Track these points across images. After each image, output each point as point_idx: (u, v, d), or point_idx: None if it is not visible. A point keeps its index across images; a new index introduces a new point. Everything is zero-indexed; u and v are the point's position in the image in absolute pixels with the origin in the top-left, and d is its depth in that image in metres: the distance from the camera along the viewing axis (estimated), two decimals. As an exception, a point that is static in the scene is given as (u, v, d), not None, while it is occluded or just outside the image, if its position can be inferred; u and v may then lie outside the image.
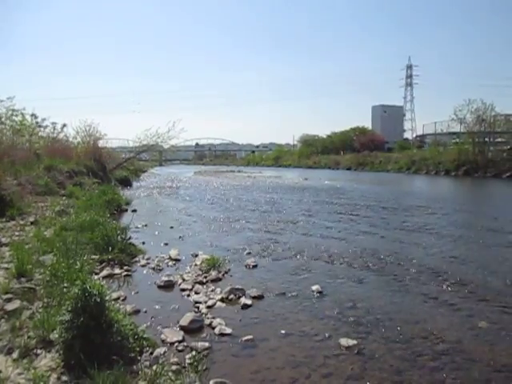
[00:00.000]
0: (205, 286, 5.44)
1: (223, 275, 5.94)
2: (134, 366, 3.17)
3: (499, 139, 34.44)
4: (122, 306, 4.29)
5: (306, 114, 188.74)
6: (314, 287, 5.31)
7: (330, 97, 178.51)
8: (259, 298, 5.01)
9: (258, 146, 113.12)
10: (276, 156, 76.42)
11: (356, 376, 3.26)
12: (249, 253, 7.27)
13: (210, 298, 4.96)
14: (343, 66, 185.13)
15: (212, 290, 5.27)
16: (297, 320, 4.36)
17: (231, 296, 5.00)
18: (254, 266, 6.43)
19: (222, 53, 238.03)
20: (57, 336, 3.19)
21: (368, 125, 77.94)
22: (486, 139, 33.93)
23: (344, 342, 3.79)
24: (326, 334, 3.99)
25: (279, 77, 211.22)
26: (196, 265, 6.36)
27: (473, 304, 4.85)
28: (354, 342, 3.79)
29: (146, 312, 4.53)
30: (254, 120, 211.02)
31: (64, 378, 2.89)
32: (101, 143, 24.46)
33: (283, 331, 4.06)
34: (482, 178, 30.33)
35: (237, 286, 5.21)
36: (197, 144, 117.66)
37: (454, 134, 38.33)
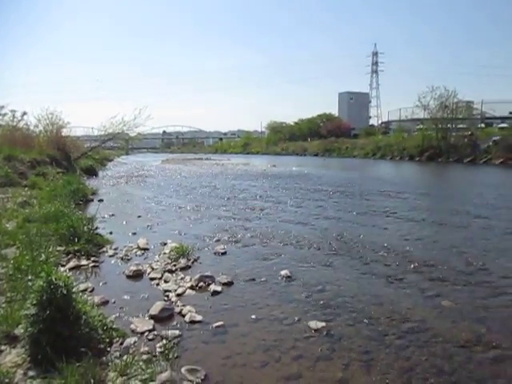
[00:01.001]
0: (174, 275, 5.42)
1: (192, 263, 5.93)
2: (104, 358, 3.13)
3: (461, 125, 35.43)
4: (89, 298, 4.22)
5: (274, 101, 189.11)
6: (283, 272, 5.38)
7: (298, 84, 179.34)
8: (229, 284, 5.04)
9: (225, 134, 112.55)
10: (244, 143, 76.33)
11: (325, 357, 3.34)
12: (218, 240, 7.27)
13: (179, 286, 4.94)
14: (311, 52, 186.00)
15: (181, 278, 5.25)
16: (266, 305, 4.41)
17: (201, 283, 5.00)
18: (223, 253, 6.44)
19: (187, 38, 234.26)
20: (22, 331, 3.11)
21: (335, 111, 78.79)
22: (449, 125, 34.86)
23: (313, 324, 3.87)
24: (296, 318, 4.06)
25: (246, 63, 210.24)
26: (165, 253, 6.31)
27: (436, 284, 5.03)
28: (323, 324, 3.88)
29: (114, 302, 4.47)
30: (221, 107, 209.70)
31: (31, 373, 2.83)
32: (64, 132, 23.65)
33: (253, 316, 4.11)
34: (444, 162, 31.27)
35: (206, 273, 5.21)
36: (164, 132, 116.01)
37: (418, 120, 39.20)
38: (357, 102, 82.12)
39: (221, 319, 4.01)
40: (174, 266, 5.76)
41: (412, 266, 5.72)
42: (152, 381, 2.65)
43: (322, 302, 4.44)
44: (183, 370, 3.04)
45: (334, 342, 3.57)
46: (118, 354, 3.23)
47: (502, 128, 34.82)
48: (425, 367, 3.17)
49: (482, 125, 39.23)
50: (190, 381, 2.94)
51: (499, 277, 5.24)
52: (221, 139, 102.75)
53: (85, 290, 4.68)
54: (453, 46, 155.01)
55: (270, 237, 7.48)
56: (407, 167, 29.20)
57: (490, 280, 5.13)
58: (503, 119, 39.46)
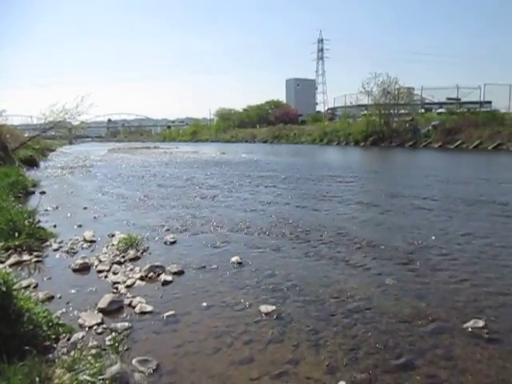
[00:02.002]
0: (123, 266, 5.31)
1: (142, 253, 5.83)
2: (50, 355, 3.04)
3: (402, 111, 36.82)
4: (33, 294, 4.05)
5: (222, 88, 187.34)
6: (234, 258, 5.41)
7: (246, 70, 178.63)
8: (179, 273, 5.01)
9: (173, 121, 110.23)
10: (193, 131, 75.28)
11: (276, 340, 3.42)
12: (167, 229, 7.19)
13: (128, 278, 4.86)
14: (258, 38, 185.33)
15: (131, 270, 5.16)
16: (218, 292, 4.43)
17: (151, 274, 4.93)
18: (173, 242, 6.38)
19: (133, 24, 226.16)
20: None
21: (283, 98, 79.34)
22: (391, 111, 36.12)
23: (264, 308, 3.94)
24: (247, 303, 4.11)
25: (193, 50, 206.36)
26: (113, 245, 6.16)
27: (380, 263, 5.26)
28: (273, 307, 3.95)
29: (60, 298, 4.33)
30: (168, 94, 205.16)
31: (-31, 375, 2.69)
32: (-1, 120, 22.29)
33: (205, 304, 4.12)
34: (387, 147, 32.46)
35: (156, 263, 5.14)
36: (109, 120, 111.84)
37: (362, 106, 40.33)
38: (304, 88, 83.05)
39: (172, 308, 3.99)
40: (123, 257, 5.64)
41: (357, 247, 5.94)
42: (101, 374, 2.61)
43: (272, 287, 4.53)
44: (134, 361, 3.01)
45: (284, 325, 3.66)
46: (65, 350, 3.14)
47: (440, 113, 36.55)
48: (370, 343, 3.32)
49: (422, 110, 40.99)
50: (142, 372, 2.92)
51: (438, 254, 5.55)
52: (169, 127, 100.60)
53: (28, 286, 4.47)
54: (394, 32, 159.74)
55: (220, 224, 7.49)
56: (352, 152, 30.05)
57: (429, 258, 5.42)
58: (441, 104, 41.38)
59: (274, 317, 3.81)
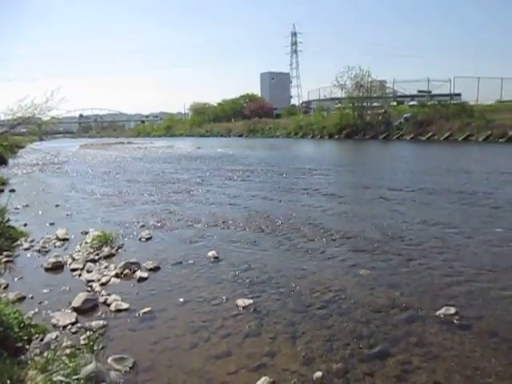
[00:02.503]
0: (97, 264, 5.23)
1: (117, 250, 5.76)
2: (23, 356, 2.98)
3: (375, 104, 37.28)
4: (3, 295, 3.96)
5: (197, 82, 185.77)
6: (210, 253, 5.40)
7: (221, 64, 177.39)
8: (155, 269, 4.96)
9: (147, 116, 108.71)
10: (167, 125, 74.42)
11: (253, 333, 3.43)
12: (142, 225, 7.11)
13: (103, 275, 4.79)
14: (233, 32, 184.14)
15: (105, 267, 5.08)
16: (194, 287, 4.41)
17: (126, 271, 4.87)
18: (149, 239, 6.32)
19: (106, 17, 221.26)
20: None
21: (257, 92, 79.19)
22: (364, 104, 36.52)
23: (240, 302, 3.94)
24: (224, 297, 4.11)
25: (167, 44, 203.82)
26: (87, 243, 6.05)
27: (355, 254, 5.33)
28: (250, 301, 3.97)
29: (32, 298, 4.23)
30: (142, 89, 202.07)
31: None
32: (-38, 116, 21.44)
33: (181, 299, 4.10)
34: (361, 140, 32.85)
35: (131, 260, 5.08)
36: (81, 115, 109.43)
37: (336, 99, 40.63)
38: (278, 82, 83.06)
39: (148, 305, 3.96)
40: (97, 255, 5.55)
41: (332, 238, 6.00)
42: (76, 374, 2.56)
43: (248, 280, 4.53)
44: (110, 359, 2.98)
45: (262, 318, 3.68)
46: (38, 351, 3.08)
47: (412, 106, 37.15)
48: (346, 333, 3.37)
49: (394, 103, 41.62)
50: (118, 370, 2.89)
51: (411, 244, 5.66)
52: (143, 122, 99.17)
53: (-3, 287, 4.37)
54: (368, 26, 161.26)
55: (196, 219, 7.45)
56: (327, 145, 30.30)
57: (402, 247, 5.53)
58: (413, 97, 42.08)
59: (251, 310, 3.82)
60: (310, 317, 3.68)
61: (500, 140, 25.65)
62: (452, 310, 3.65)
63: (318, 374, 2.82)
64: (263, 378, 2.74)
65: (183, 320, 3.69)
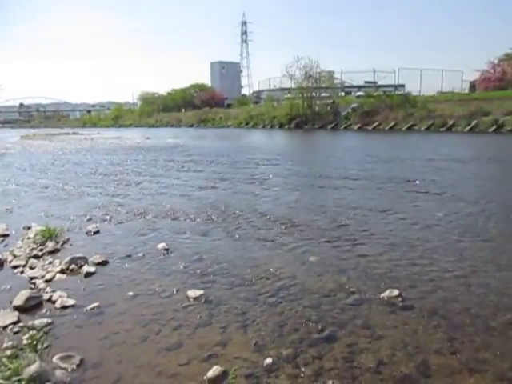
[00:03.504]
0: (41, 260, 5.01)
1: (62, 245, 5.54)
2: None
3: (324, 94, 37.98)
4: None
5: (146, 71, 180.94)
6: (160, 245, 5.33)
7: (170, 52, 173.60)
8: (103, 263, 4.83)
9: (94, 106, 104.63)
10: (115, 115, 72.04)
11: (204, 323, 3.43)
12: (90, 219, 6.88)
13: (47, 272, 4.60)
14: (183, 20, 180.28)
15: (50, 263, 4.88)
16: (144, 280, 4.34)
17: (72, 266, 4.71)
18: (96, 232, 6.13)
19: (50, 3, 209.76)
20: None
21: (208, 81, 78.38)
22: (313, 94, 37.12)
23: (191, 293, 3.93)
24: (174, 289, 4.07)
25: (113, 30, 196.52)
26: (29, 238, 5.78)
27: (304, 242, 5.44)
28: (201, 292, 3.96)
29: (-31, 298, 4.00)
30: (88, 77, 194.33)
31: None
32: None
33: (131, 293, 4.02)
34: (310, 129, 33.42)
35: (78, 255, 4.91)
36: (21, 104, 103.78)
37: (286, 89, 41.05)
38: (228, 71, 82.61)
39: (96, 300, 3.85)
40: (41, 250, 5.32)
41: (283, 227, 6.09)
42: (18, 375, 2.46)
43: (199, 271, 4.52)
44: (55, 358, 2.88)
45: (213, 308, 3.68)
46: (-25, 354, 2.91)
47: (359, 96, 38.20)
48: (295, 319, 3.45)
49: (342, 93, 42.63)
50: (64, 368, 2.80)
51: (358, 230, 5.86)
52: (89, 112, 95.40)
53: None
54: (319, 16, 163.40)
55: (146, 211, 7.31)
56: (277, 135, 30.57)
57: (350, 234, 5.71)
58: (360, 88, 43.26)
59: (202, 301, 3.82)
60: (260, 305, 3.73)
61: (441, 129, 26.95)
62: (395, 292, 3.82)
63: (269, 360, 2.87)
64: (214, 368, 2.76)
65: (133, 314, 3.63)
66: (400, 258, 4.78)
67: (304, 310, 3.60)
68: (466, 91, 39.73)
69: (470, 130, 25.55)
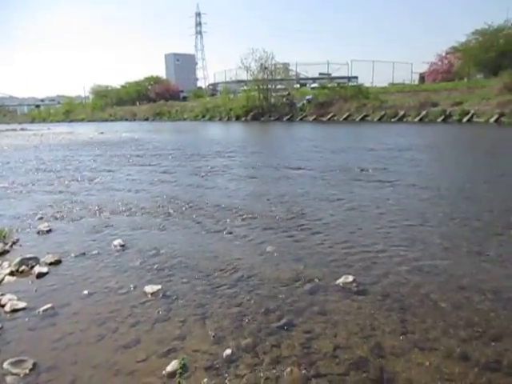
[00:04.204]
0: (-12, 263, 4.79)
1: (11, 246, 5.30)
2: None
3: (280, 86, 38.23)
4: None
5: (97, 63, 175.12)
6: (116, 242, 5.21)
7: (123, 44, 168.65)
8: (56, 263, 4.67)
9: (43, 100, 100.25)
10: (66, 110, 69.46)
11: (162, 318, 3.40)
12: (41, 218, 6.62)
13: (-4, 275, 4.40)
14: (135, 12, 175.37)
15: (-2, 265, 4.67)
16: (99, 278, 4.24)
17: (23, 267, 4.52)
18: (48, 231, 5.91)
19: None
20: None
21: (162, 74, 76.94)
22: (269, 86, 37.27)
23: (149, 289, 3.88)
24: (131, 286, 4.00)
25: (63, 20, 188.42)
26: (-26, 240, 5.50)
27: (261, 233, 5.48)
28: (159, 287, 3.91)
29: None
30: (36, 70, 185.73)
31: None
32: None
33: (86, 292, 3.91)
34: (267, 121, 33.62)
35: (28, 256, 4.72)
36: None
37: (242, 81, 40.98)
38: (183, 63, 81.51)
39: (49, 301, 3.72)
40: (-12, 252, 5.08)
41: (241, 218, 6.11)
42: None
43: (157, 266, 4.46)
44: (6, 364, 2.77)
45: (171, 302, 3.65)
46: None
47: (314, 88, 38.71)
48: (254, 309, 3.48)
49: (298, 85, 43.03)
50: (16, 374, 2.70)
51: (313, 220, 5.96)
52: (38, 106, 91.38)
53: None
54: (274, 7, 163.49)
55: (100, 208, 7.12)
56: (234, 127, 30.53)
57: (305, 223, 5.80)
58: (314, 79, 43.83)
59: (160, 296, 3.78)
60: (219, 297, 3.73)
61: (392, 119, 27.80)
62: (350, 278, 3.93)
63: (228, 351, 2.89)
64: (173, 362, 2.74)
65: (88, 313, 3.54)
66: (354, 244, 4.91)
67: (262, 300, 3.64)
68: (416, 83, 41.15)
69: (420, 120, 26.52)
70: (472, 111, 24.72)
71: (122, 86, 71.99)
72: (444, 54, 40.02)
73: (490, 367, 2.64)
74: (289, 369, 2.70)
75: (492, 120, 23.32)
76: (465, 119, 24.55)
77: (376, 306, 3.48)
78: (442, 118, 25.56)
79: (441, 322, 3.19)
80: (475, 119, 24.34)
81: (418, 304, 3.47)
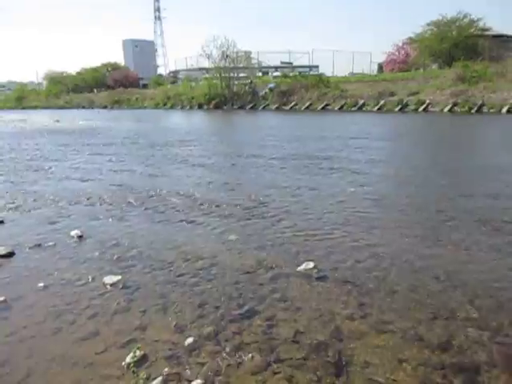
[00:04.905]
0: None
1: (-41, 239, 5.06)
2: None
3: (242, 74, 38.01)
4: None
5: (52, 49, 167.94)
6: (73, 232, 5.06)
7: (78, 29, 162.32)
8: (9, 255, 4.48)
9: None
10: (18, 96, 66.20)
11: (122, 309, 3.34)
12: (-8, 209, 6.34)
13: None
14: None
15: None
16: (56, 269, 4.11)
17: (-28, 261, 4.33)
18: (0, 222, 5.67)
19: None
20: None
21: (121, 61, 74.79)
22: (231, 74, 36.98)
23: (108, 279, 3.80)
24: (89, 277, 3.90)
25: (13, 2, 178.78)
26: None
27: (224, 221, 5.47)
28: (119, 277, 3.84)
29: None
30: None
31: None
32: None
33: (41, 284, 3.78)
34: (229, 110, 33.42)
35: (-24, 249, 4.52)
36: None
37: (203, 69, 40.47)
38: (143, 50, 79.54)
39: (1, 294, 3.58)
40: None
41: (203, 207, 6.07)
42: None
43: (117, 256, 4.37)
44: (-45, 360, 2.65)
45: (131, 293, 3.59)
46: None
47: (276, 76, 38.78)
48: (216, 298, 3.48)
49: (260, 73, 42.95)
50: (-34, 370, 2.59)
51: (277, 208, 6.00)
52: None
53: None
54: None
55: (56, 198, 6.88)
56: (196, 116, 30.20)
57: (268, 211, 5.83)
58: (276, 68, 43.90)
59: (120, 286, 3.71)
60: (181, 286, 3.70)
61: (352, 109, 28.29)
62: (311, 265, 3.99)
63: (190, 339, 2.88)
64: (133, 352, 2.70)
65: (44, 306, 3.43)
66: (316, 231, 4.98)
67: (224, 288, 3.64)
68: (375, 72, 42.00)
69: (379, 109, 27.12)
70: (428, 101, 25.51)
71: (78, 73, 69.42)
72: (401, 45, 40.99)
73: (441, 347, 2.76)
74: (250, 355, 2.72)
75: (446, 109, 24.17)
76: (421, 109, 25.30)
77: (335, 291, 3.56)
78: (400, 107, 26.24)
79: (396, 304, 3.30)
80: (431, 108, 25.15)
81: (375, 288, 3.57)
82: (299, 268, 3.97)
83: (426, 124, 20.79)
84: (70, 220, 5.74)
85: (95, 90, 57.15)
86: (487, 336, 2.86)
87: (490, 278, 3.72)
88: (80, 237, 4.99)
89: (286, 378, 2.51)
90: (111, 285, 3.74)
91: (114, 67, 67.32)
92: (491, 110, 22.78)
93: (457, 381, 2.46)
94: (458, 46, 33.34)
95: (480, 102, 23.48)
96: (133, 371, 2.56)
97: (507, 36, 37.75)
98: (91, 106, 49.88)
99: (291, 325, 3.07)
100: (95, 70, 67.40)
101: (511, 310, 3.19)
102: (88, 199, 6.77)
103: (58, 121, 28.41)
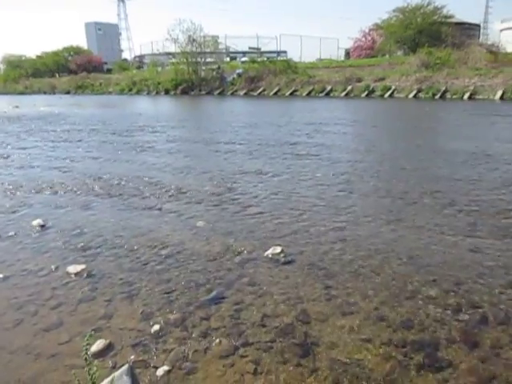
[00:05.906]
0: None
1: None
2: None
3: (209, 59, 37.46)
4: None
5: (8, 30, 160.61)
6: (35, 222, 4.91)
7: (38, 11, 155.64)
8: (-34, 247, 4.33)
9: None
10: (-27, 81, 63.29)
11: (87, 298, 3.28)
12: None
13: None
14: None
15: None
16: (17, 260, 3.99)
17: None
18: (-44, 213, 5.44)
19: None
20: None
21: (84, 44, 72.27)
22: (199, 59, 36.39)
23: (72, 269, 3.71)
24: (52, 267, 3.81)
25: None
26: None
27: (192, 208, 5.43)
28: (83, 266, 3.76)
29: None
30: None
31: None
32: None
33: (1, 275, 3.67)
34: (197, 95, 32.98)
35: None
36: None
37: (170, 54, 39.61)
38: (106, 33, 77.08)
39: (-41, 288, 3.45)
40: None
41: (170, 194, 6.00)
42: None
43: (81, 245, 4.28)
44: None
45: (96, 282, 3.53)
46: None
47: (244, 62, 38.43)
48: (183, 284, 3.46)
49: (228, 59, 42.48)
50: None
51: (244, 193, 6.00)
52: None
53: None
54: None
55: (17, 187, 6.65)
56: (163, 102, 29.68)
57: (236, 197, 5.83)
58: (244, 53, 43.51)
59: (84, 276, 3.64)
60: (147, 274, 3.66)
61: (320, 94, 28.43)
62: (278, 249, 4.02)
63: (156, 327, 2.86)
64: (99, 341, 2.67)
65: (4, 297, 3.33)
66: (283, 217, 5.02)
67: (192, 275, 3.63)
68: (342, 58, 42.28)
69: (346, 94, 27.36)
70: (393, 87, 25.92)
71: (39, 57, 66.62)
72: (367, 31, 41.36)
73: (403, 326, 2.85)
74: (217, 340, 2.73)
75: (411, 95, 24.64)
76: (387, 94, 25.69)
77: (302, 274, 3.60)
78: (366, 93, 26.55)
79: (361, 286, 3.37)
80: (396, 94, 25.57)
81: (340, 271, 3.64)
82: (267, 253, 3.99)
83: (392, 109, 21.16)
84: (31, 209, 5.57)
85: (57, 75, 55.10)
86: (447, 314, 2.97)
87: (450, 259, 3.85)
88: (42, 226, 4.85)
89: (254, 361, 2.54)
90: (75, 274, 3.66)
91: (77, 51, 64.90)
92: (454, 96, 23.38)
93: (418, 357, 2.54)
94: (422, 33, 33.91)
95: (443, 88, 24.05)
96: (98, 360, 2.53)
97: (469, 24, 38.72)
98: (53, 91, 48.12)
99: (259, 309, 3.09)
100: (56, 53, 64.79)
101: (470, 289, 3.32)
102: (51, 188, 6.57)
103: (17, 107, 27.30)
